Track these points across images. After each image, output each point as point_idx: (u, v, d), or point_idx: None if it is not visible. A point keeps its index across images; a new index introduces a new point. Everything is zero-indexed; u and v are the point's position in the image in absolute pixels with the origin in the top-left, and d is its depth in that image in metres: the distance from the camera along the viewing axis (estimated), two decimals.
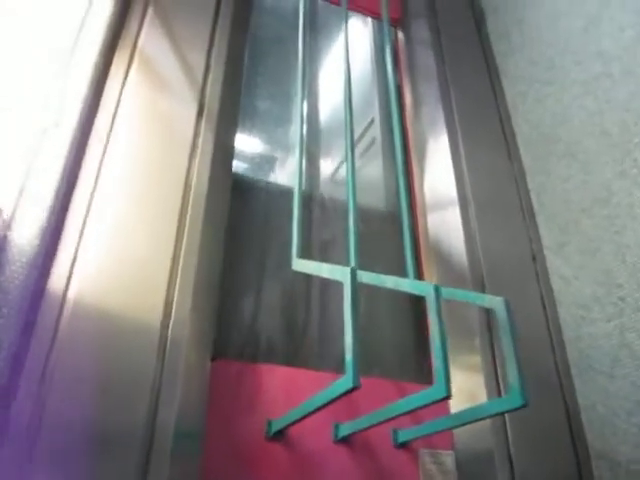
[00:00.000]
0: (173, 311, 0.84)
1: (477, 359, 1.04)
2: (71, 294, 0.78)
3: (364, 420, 0.88)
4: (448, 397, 0.65)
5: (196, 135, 1.00)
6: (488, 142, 1.42)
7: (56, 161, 0.80)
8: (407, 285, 0.78)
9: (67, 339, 0.76)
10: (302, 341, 1.04)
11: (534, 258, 1.25)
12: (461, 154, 1.34)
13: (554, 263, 1.23)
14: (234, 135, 1.15)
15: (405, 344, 1.16)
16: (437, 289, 0.72)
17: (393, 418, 0.82)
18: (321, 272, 0.78)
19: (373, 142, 1.51)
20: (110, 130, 0.94)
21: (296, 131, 1.20)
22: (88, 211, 0.85)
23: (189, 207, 0.93)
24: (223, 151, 1.04)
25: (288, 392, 0.92)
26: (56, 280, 0.77)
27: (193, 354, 0.83)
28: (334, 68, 1.55)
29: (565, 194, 1.24)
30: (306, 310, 1.07)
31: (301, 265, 0.89)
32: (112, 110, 0.96)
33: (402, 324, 1.19)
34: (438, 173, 1.35)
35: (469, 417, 0.86)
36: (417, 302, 1.21)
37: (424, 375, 1.12)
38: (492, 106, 1.51)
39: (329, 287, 1.11)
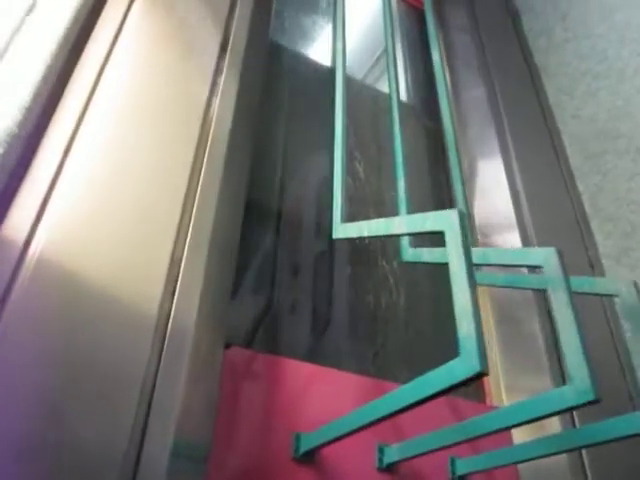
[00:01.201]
0: (180, 276, 0.62)
1: (544, 381, 0.83)
2: (35, 245, 0.55)
3: (420, 442, 0.66)
4: (597, 400, 0.45)
5: (217, 72, 0.80)
6: (536, 142, 1.25)
7: (37, 58, 0.58)
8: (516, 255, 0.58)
9: (22, 312, 0.52)
10: (341, 334, 0.82)
11: (592, 267, 1.08)
12: (512, 157, 1.17)
13: (616, 272, 1.05)
14: (261, 74, 0.94)
15: (449, 346, 0.95)
16: (560, 255, 0.53)
17: (461, 442, 0.62)
18: (391, 229, 0.58)
19: None
20: (110, 51, 0.73)
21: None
22: (76, 131, 0.63)
23: (205, 157, 0.72)
24: (248, 92, 0.83)
25: (322, 398, 0.69)
26: (17, 220, 0.55)
27: (203, 338, 0.61)
28: None
29: (629, 194, 1.08)
30: (350, 290, 0.86)
31: (350, 230, 0.68)
32: (113, 32, 0.75)
33: (442, 318, 0.97)
34: (488, 179, 1.17)
35: (557, 446, 0.65)
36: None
37: (473, 389, 0.91)
38: (534, 103, 1.35)
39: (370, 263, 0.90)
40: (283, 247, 0.87)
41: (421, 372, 0.46)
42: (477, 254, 0.63)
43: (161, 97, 0.72)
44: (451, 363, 0.42)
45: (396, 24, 1.32)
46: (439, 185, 1.19)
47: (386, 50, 0.95)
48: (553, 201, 1.14)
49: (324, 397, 0.70)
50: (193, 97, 0.75)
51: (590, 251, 1.10)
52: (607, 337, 0.95)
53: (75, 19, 0.69)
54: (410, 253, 0.76)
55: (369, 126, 1.14)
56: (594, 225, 1.14)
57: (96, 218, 0.59)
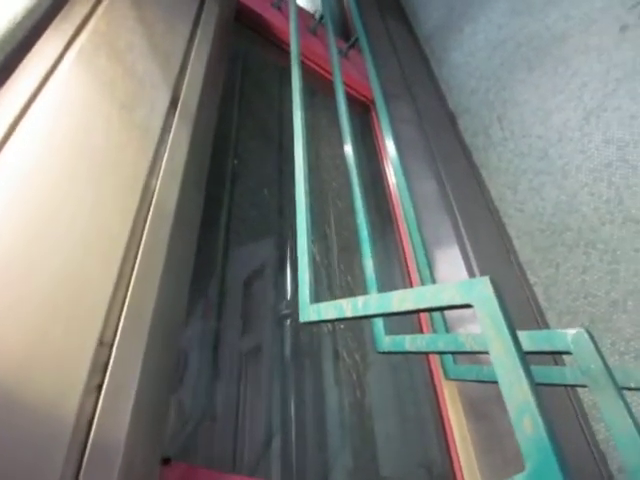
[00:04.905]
0: (109, 367, 0.46)
1: None
2: None
3: None
4: None
5: (166, 128, 0.70)
6: (487, 236, 1.23)
7: None
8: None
9: None
10: (292, 444, 0.66)
11: (556, 362, 1.01)
12: (468, 249, 1.13)
13: None
14: (212, 134, 0.83)
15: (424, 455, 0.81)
16: (592, 336, 0.44)
17: None
18: (388, 307, 0.47)
19: None
20: (37, 92, 0.61)
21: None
22: None
23: (147, 224, 0.59)
24: (198, 151, 0.73)
25: None
26: None
27: (137, 452, 0.45)
28: None
29: (584, 287, 1.05)
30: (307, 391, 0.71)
31: (325, 311, 0.56)
32: (43, 70, 0.64)
33: (415, 421, 0.84)
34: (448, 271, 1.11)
35: None
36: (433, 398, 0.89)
37: None
38: (480, 197, 1.36)
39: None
40: (225, 336, 0.74)
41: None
42: (480, 340, 0.53)
43: (96, 150, 0.60)
44: None
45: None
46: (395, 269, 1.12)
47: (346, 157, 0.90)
48: (510, 292, 1.09)
49: None
50: (136, 151, 0.64)
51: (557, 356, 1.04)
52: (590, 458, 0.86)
53: None
54: (387, 342, 0.65)
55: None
56: (551, 317, 1.09)
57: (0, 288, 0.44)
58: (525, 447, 0.31)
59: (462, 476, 0.79)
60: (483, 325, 0.37)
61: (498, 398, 0.77)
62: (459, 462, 0.81)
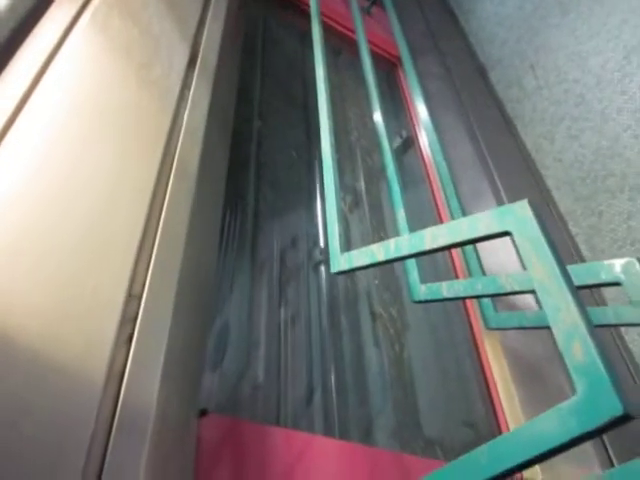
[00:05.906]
0: (138, 320, 0.46)
1: (586, 450, 0.69)
2: None
3: None
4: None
5: (185, 86, 0.68)
6: (524, 190, 1.19)
7: None
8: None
9: None
10: (331, 397, 0.66)
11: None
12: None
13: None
14: (233, 90, 0.82)
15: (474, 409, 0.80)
16: None
17: None
18: (420, 245, 0.44)
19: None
20: (51, 56, 0.60)
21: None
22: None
23: (170, 178, 0.58)
24: (220, 107, 0.72)
25: (326, 474, 0.53)
26: None
27: (170, 403, 0.44)
28: None
29: (630, 233, 1.00)
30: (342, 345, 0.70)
31: (357, 258, 0.54)
32: (57, 34, 0.63)
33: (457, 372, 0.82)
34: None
35: None
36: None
37: None
38: (515, 150, 1.30)
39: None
40: (260, 292, 0.73)
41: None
42: (521, 279, 0.51)
43: (116, 109, 0.59)
44: (563, 406, 0.28)
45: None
46: None
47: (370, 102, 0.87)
48: None
49: (328, 473, 0.53)
50: (156, 110, 0.62)
51: (596, 295, 1.00)
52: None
53: (11, 10, 0.57)
54: (422, 291, 0.63)
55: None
56: None
57: (26, 244, 0.44)
58: (575, 373, 0.28)
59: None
60: (523, 251, 0.34)
61: (544, 348, 0.74)
62: (505, 419, 0.78)
